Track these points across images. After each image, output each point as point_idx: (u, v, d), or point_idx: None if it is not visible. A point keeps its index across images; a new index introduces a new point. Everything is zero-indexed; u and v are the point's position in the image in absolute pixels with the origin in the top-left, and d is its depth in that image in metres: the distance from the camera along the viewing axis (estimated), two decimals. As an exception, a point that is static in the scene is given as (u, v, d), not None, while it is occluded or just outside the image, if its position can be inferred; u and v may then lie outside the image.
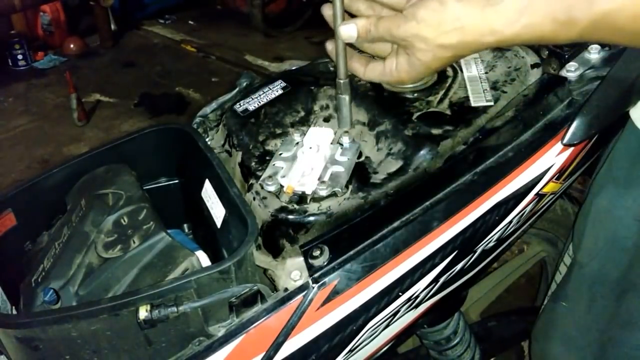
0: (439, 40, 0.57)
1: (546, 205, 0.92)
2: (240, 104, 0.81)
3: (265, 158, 0.72)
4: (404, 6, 0.64)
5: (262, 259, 0.66)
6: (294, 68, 0.89)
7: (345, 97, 0.70)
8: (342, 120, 0.73)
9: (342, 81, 0.69)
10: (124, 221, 0.66)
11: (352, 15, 0.71)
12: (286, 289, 0.61)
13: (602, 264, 0.79)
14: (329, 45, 0.71)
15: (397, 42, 0.62)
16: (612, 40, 0.54)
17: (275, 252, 0.65)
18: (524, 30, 0.53)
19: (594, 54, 0.81)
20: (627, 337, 0.75)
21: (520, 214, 0.80)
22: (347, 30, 0.62)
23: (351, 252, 0.62)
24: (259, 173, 0.70)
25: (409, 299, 0.71)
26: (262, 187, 0.67)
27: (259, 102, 0.81)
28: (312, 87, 0.81)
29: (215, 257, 0.70)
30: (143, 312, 0.53)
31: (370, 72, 0.70)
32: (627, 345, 0.75)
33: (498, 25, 0.54)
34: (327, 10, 0.69)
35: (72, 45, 4.02)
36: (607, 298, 0.78)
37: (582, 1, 0.49)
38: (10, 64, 3.83)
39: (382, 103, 0.75)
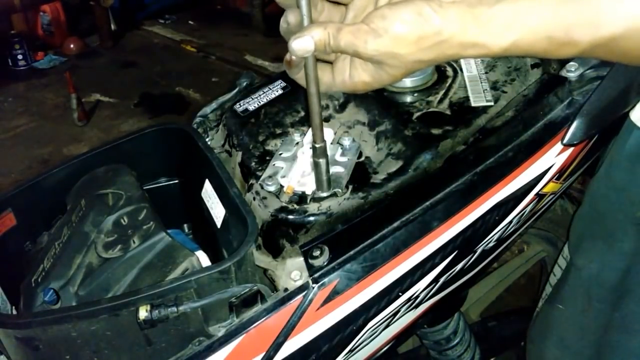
0: (417, 56, 0.48)
1: (546, 205, 0.92)
2: (240, 104, 0.81)
3: (265, 158, 0.72)
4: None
5: (262, 259, 0.66)
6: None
7: (322, 162, 0.61)
8: (319, 184, 0.64)
9: (318, 146, 0.59)
10: (124, 221, 0.66)
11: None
12: (286, 289, 0.60)
13: (599, 267, 0.78)
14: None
15: (361, 58, 0.51)
16: (612, 60, 0.48)
17: (275, 252, 0.65)
18: (513, 46, 0.46)
19: (594, 54, 0.81)
20: (623, 343, 0.75)
21: (520, 214, 0.80)
22: (302, 44, 0.49)
23: (351, 252, 0.62)
24: (259, 173, 0.70)
25: (409, 299, 0.71)
26: (262, 187, 0.67)
27: (259, 102, 0.81)
28: (312, 87, 0.80)
29: (215, 257, 0.70)
30: (143, 312, 0.53)
31: None
32: (623, 351, 0.75)
33: (482, 40, 0.46)
34: (291, 16, 0.54)
35: (72, 45, 4.03)
36: (604, 302, 0.78)
37: (585, 23, 0.43)
38: (10, 64, 3.83)
39: (382, 103, 0.75)
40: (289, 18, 0.54)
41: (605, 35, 0.43)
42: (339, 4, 0.55)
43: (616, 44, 0.44)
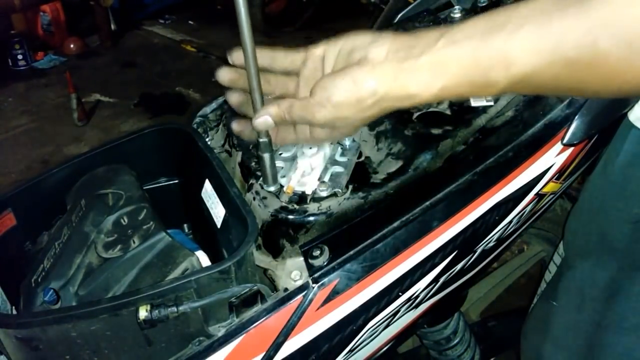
0: (360, 115, 0.54)
1: (546, 205, 0.92)
2: (240, 104, 0.81)
3: (265, 158, 0.72)
4: (298, 68, 0.61)
5: (262, 259, 0.66)
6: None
7: (267, 156, 0.64)
8: (265, 178, 0.67)
9: (262, 140, 0.62)
10: (124, 221, 0.66)
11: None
12: (286, 289, 0.61)
13: (593, 265, 0.78)
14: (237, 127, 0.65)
15: (314, 126, 0.58)
16: (539, 94, 0.52)
17: (275, 252, 0.65)
18: (442, 92, 0.51)
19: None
20: (615, 342, 0.75)
21: (520, 214, 0.80)
22: (263, 123, 0.59)
23: (351, 252, 0.62)
24: (259, 173, 0.70)
25: (409, 299, 0.71)
26: (262, 187, 0.67)
27: (259, 102, 0.81)
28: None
29: (215, 257, 0.70)
30: (143, 312, 0.53)
31: (280, 139, 0.64)
32: (615, 350, 0.75)
33: (413, 90, 0.51)
34: (233, 97, 0.64)
35: (72, 45, 4.02)
36: (596, 300, 0.78)
37: (497, 64, 0.47)
38: (10, 64, 3.83)
39: (382, 103, 0.75)
40: (232, 99, 0.64)
41: (518, 74, 0.47)
42: (291, 73, 0.63)
43: (531, 80, 0.47)
